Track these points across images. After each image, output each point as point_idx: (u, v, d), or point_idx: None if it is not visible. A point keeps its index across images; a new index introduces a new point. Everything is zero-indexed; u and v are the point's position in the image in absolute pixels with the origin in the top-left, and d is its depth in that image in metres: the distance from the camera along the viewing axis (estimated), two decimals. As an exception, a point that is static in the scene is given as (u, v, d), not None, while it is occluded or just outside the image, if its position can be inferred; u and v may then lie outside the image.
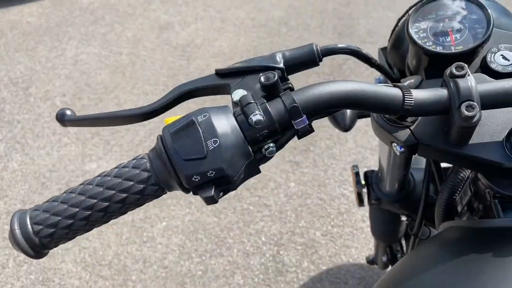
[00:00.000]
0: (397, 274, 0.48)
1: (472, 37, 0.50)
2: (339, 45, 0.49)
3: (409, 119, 0.46)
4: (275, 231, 1.72)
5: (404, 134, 0.47)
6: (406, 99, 0.41)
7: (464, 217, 0.57)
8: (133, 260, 1.65)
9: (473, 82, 0.41)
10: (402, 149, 0.48)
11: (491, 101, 0.42)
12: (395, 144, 0.48)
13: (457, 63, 0.42)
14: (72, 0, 3.28)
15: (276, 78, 0.41)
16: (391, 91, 0.42)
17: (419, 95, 0.42)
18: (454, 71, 0.42)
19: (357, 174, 0.80)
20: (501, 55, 0.49)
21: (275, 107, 0.40)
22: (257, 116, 0.38)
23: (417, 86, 0.46)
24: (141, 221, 1.78)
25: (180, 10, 3.15)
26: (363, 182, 0.77)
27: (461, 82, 0.41)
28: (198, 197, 1.78)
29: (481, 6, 0.51)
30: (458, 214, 0.58)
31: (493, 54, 0.49)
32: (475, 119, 0.40)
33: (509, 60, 0.49)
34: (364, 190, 0.80)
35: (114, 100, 2.36)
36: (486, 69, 0.49)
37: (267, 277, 1.58)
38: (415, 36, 0.51)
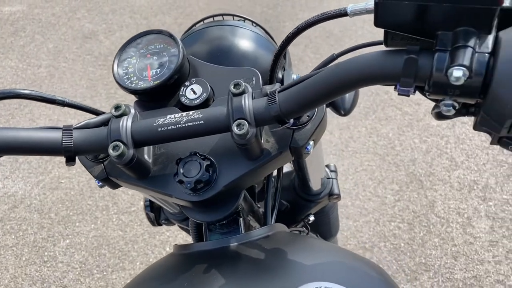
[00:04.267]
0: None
1: (168, 71, 0.50)
2: None
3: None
4: (180, 240, 1.70)
5: (98, 169, 0.48)
6: (64, 140, 0.42)
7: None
8: (30, 282, 1.60)
9: (127, 122, 0.42)
10: (100, 183, 0.48)
11: (144, 139, 0.43)
12: (94, 179, 0.48)
13: (115, 103, 0.44)
14: (-8, 12, 3.17)
15: None
16: (50, 134, 0.42)
17: (81, 135, 0.43)
18: (113, 111, 0.43)
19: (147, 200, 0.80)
20: (191, 88, 0.50)
21: None
22: None
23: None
24: (43, 240, 1.73)
25: (106, 18, 3.09)
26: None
27: (114, 123, 0.42)
28: (104, 211, 1.76)
29: (176, 41, 0.52)
30: None
31: (185, 88, 0.50)
32: (124, 158, 0.41)
33: (196, 94, 0.49)
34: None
35: (28, 115, 2.29)
36: (180, 102, 0.50)
37: (168, 289, 1.56)
38: (119, 73, 0.51)
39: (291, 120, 0.43)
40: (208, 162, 0.44)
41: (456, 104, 0.34)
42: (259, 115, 0.41)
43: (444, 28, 0.33)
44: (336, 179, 0.70)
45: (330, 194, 0.68)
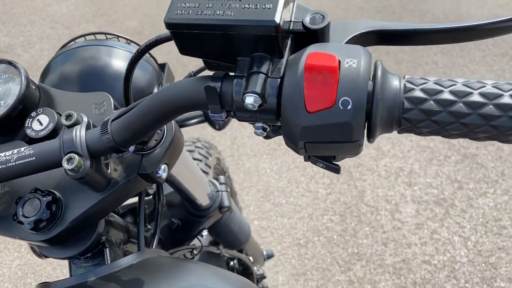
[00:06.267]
0: None
1: (10, 103, 0.47)
2: None
3: None
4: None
5: None
6: None
7: None
8: None
9: None
10: None
11: None
12: None
13: None
14: None
15: None
16: None
17: None
18: None
19: None
20: (38, 119, 0.46)
21: None
22: None
23: None
24: (-41, 276, 1.60)
25: (24, 30, 2.91)
26: None
27: None
28: None
29: (18, 70, 0.48)
30: None
31: (31, 119, 0.46)
32: None
33: (43, 125, 0.46)
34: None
35: None
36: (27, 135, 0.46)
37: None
38: None
39: (131, 148, 0.42)
40: (50, 199, 0.42)
41: (266, 127, 0.34)
42: (92, 146, 0.39)
43: (242, 54, 0.33)
44: (227, 191, 0.70)
45: (220, 207, 0.68)
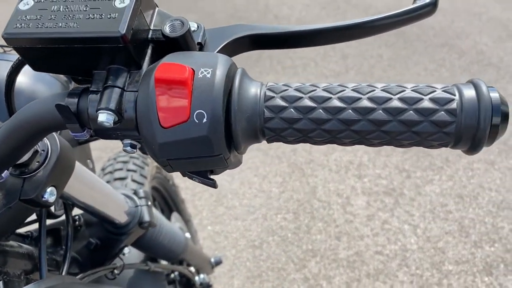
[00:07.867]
0: None
1: None
2: None
3: None
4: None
5: None
6: None
7: None
8: None
9: None
10: None
11: None
12: None
13: None
14: None
15: None
16: None
17: None
18: None
19: None
20: None
21: None
22: None
23: None
24: None
25: (-45, 41, 2.73)
26: None
27: None
28: None
29: None
30: None
31: None
32: None
33: None
34: None
35: None
36: None
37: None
38: None
39: (4, 174, 0.38)
40: None
41: (135, 143, 0.32)
42: None
43: (97, 67, 0.31)
44: (147, 205, 0.67)
45: (140, 223, 0.65)
